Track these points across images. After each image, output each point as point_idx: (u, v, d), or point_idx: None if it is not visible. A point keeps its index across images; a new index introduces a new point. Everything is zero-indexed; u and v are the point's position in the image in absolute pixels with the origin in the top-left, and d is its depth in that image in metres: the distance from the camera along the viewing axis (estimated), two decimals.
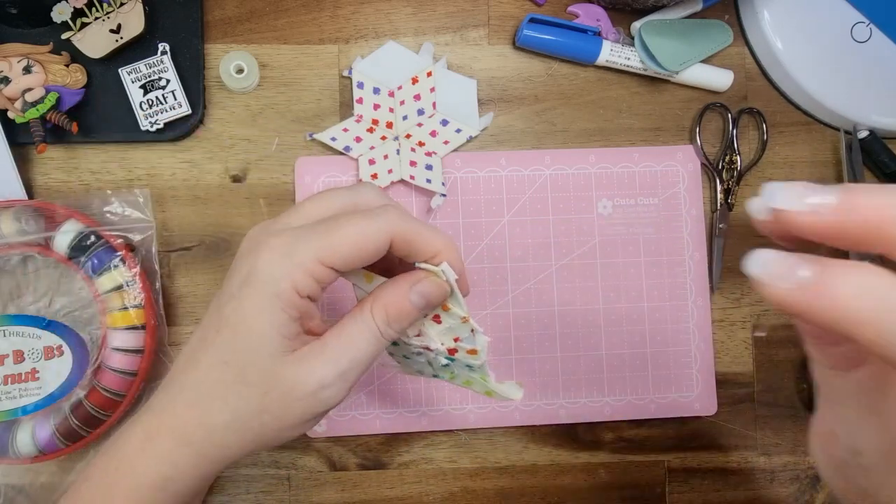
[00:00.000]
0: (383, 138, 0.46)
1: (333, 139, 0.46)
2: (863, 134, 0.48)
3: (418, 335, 0.31)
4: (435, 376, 0.35)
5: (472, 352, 0.31)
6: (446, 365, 0.33)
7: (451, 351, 0.32)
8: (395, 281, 0.29)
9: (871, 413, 0.21)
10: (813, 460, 0.25)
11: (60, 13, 0.42)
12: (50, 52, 0.43)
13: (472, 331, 0.30)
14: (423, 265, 0.29)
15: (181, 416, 0.28)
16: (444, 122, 0.47)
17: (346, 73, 0.47)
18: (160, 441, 0.28)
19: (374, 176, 0.45)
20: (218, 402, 0.28)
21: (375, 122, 0.46)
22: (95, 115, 0.45)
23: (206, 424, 0.28)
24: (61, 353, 0.42)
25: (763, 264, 0.17)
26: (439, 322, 0.31)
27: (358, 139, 0.46)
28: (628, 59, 0.47)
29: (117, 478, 0.28)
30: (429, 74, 0.47)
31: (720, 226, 0.48)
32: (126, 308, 0.42)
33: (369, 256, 0.28)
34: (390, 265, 0.32)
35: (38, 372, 0.42)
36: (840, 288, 0.16)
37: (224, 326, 0.28)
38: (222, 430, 0.28)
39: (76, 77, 0.44)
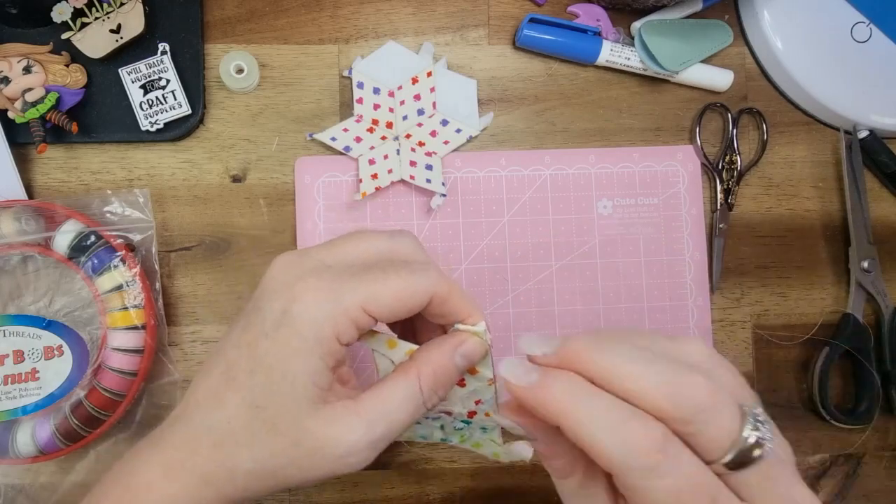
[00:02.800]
0: (383, 138, 0.46)
1: (333, 139, 0.46)
2: (863, 134, 0.48)
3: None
4: (444, 440, 0.35)
5: (488, 415, 0.31)
6: (461, 429, 0.32)
7: (471, 414, 0.31)
8: (439, 344, 0.28)
9: None
10: None
11: (60, 13, 0.42)
12: (50, 52, 0.43)
13: (496, 392, 0.30)
14: (462, 326, 0.28)
15: (205, 456, 0.27)
16: (444, 122, 0.47)
17: (346, 73, 0.47)
18: (182, 479, 0.27)
19: (374, 176, 0.45)
20: (245, 450, 0.27)
21: (375, 122, 0.46)
22: (95, 115, 0.45)
23: (230, 469, 0.27)
24: (61, 353, 0.42)
25: (508, 368, 0.24)
26: (463, 386, 0.30)
27: (358, 139, 0.46)
28: (628, 59, 0.47)
29: None
30: (429, 74, 0.47)
31: (720, 226, 0.48)
32: (126, 308, 0.42)
33: (410, 311, 0.27)
34: (408, 325, 0.32)
35: (38, 372, 0.42)
36: (552, 387, 0.23)
37: (258, 369, 0.27)
38: (245, 476, 0.27)
39: (76, 77, 0.44)
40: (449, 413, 0.31)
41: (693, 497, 0.21)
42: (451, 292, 0.28)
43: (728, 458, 0.22)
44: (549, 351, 0.24)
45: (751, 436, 0.22)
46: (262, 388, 0.26)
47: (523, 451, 0.34)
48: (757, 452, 0.22)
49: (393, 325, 0.32)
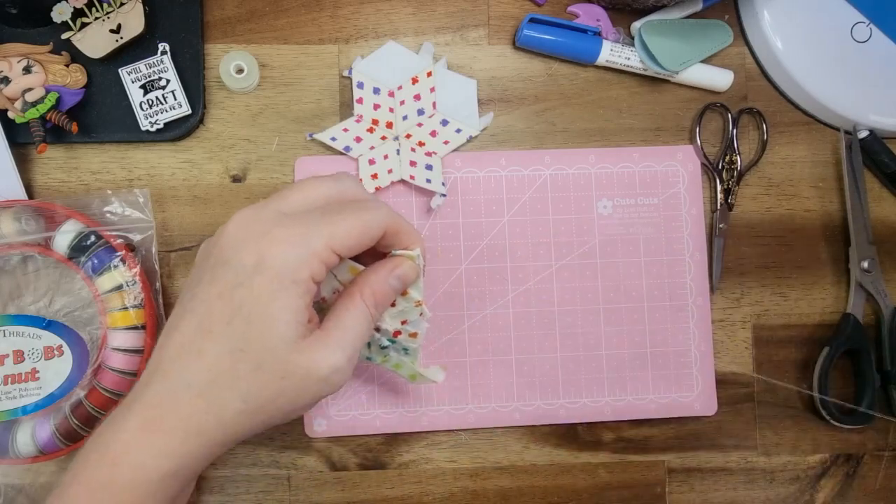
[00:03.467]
0: (383, 138, 0.46)
1: (333, 139, 0.46)
2: (863, 134, 0.48)
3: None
4: (368, 359, 0.38)
5: (413, 335, 0.35)
6: (385, 347, 0.36)
7: (396, 333, 0.35)
8: (378, 268, 0.32)
9: None
10: None
11: (60, 13, 0.42)
12: (50, 52, 0.43)
13: (421, 314, 0.34)
14: (399, 252, 0.33)
15: (188, 406, 0.28)
16: (444, 122, 0.47)
17: (346, 73, 0.47)
18: (164, 435, 0.28)
19: (375, 176, 0.45)
20: (230, 392, 0.28)
21: (375, 122, 0.46)
22: (95, 115, 0.45)
23: (217, 414, 0.28)
24: (61, 353, 0.42)
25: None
26: (394, 305, 0.34)
27: (358, 139, 0.46)
28: (628, 59, 0.47)
29: (115, 474, 0.27)
30: (429, 74, 0.47)
31: (720, 226, 0.48)
32: (126, 308, 0.42)
33: (369, 244, 0.31)
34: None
35: (38, 372, 0.42)
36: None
37: (236, 316, 0.28)
38: (235, 416, 0.28)
39: (76, 77, 0.44)
40: (378, 329, 0.35)
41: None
42: (401, 225, 0.32)
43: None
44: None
45: None
46: (243, 334, 0.28)
47: (437, 374, 0.39)
48: None
49: None
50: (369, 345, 0.37)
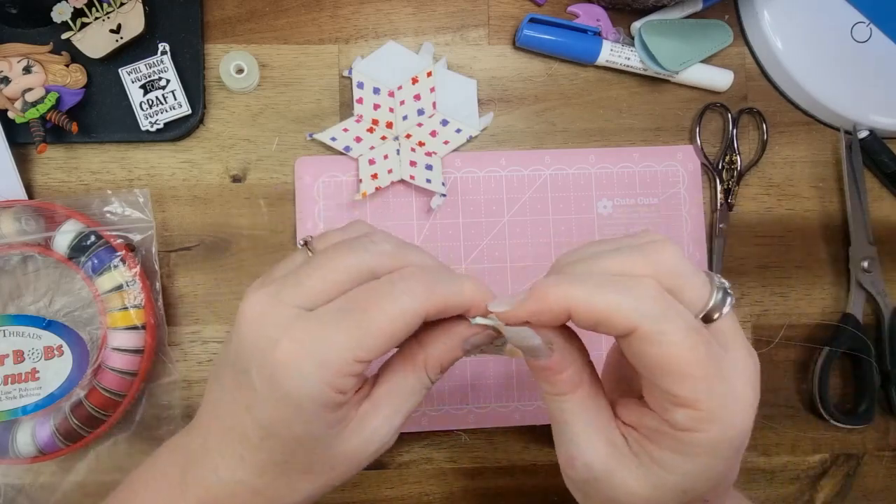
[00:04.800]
0: (383, 138, 0.46)
1: (333, 139, 0.46)
2: (863, 134, 0.48)
3: None
4: None
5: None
6: None
7: None
8: (447, 332, 0.28)
9: (590, 427, 0.27)
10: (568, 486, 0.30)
11: (60, 13, 0.42)
12: (50, 52, 0.43)
13: (506, 344, 0.30)
14: (480, 321, 0.28)
15: (247, 499, 0.28)
16: (444, 122, 0.47)
17: (346, 73, 0.47)
18: None
19: (374, 176, 0.45)
20: (286, 490, 0.28)
21: (375, 122, 0.46)
22: (95, 115, 0.45)
23: (277, 502, 0.28)
24: (61, 353, 0.42)
25: (500, 303, 0.27)
26: None
27: (358, 139, 0.46)
28: (628, 59, 0.47)
29: None
30: (429, 74, 0.47)
31: (720, 226, 0.48)
32: (126, 308, 0.42)
33: (404, 337, 0.26)
34: None
35: (38, 372, 0.42)
36: (551, 287, 0.25)
37: (267, 437, 0.26)
38: (297, 501, 0.28)
39: (76, 77, 0.44)
40: None
41: (697, 339, 0.23)
42: (443, 299, 0.26)
43: (707, 308, 0.25)
44: (514, 304, 0.26)
45: (719, 288, 0.25)
46: (280, 450, 0.27)
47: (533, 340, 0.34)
48: (727, 301, 0.25)
49: None
50: None
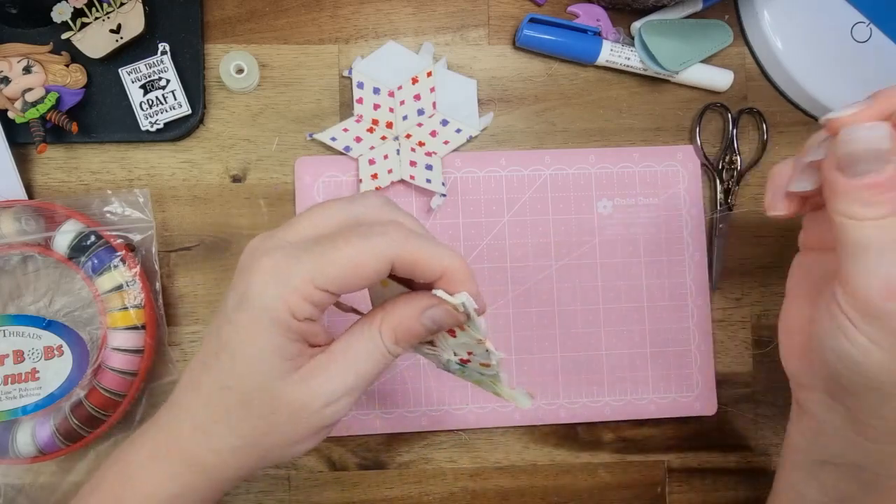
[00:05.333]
0: (383, 138, 0.46)
1: (333, 139, 0.46)
2: None
3: (431, 343, 0.30)
4: (446, 369, 0.34)
5: (485, 364, 0.31)
6: (459, 367, 0.32)
7: (464, 360, 0.31)
8: (408, 300, 0.28)
9: (821, 294, 0.27)
10: (781, 354, 0.31)
11: (60, 13, 0.42)
12: (50, 52, 0.43)
13: (487, 351, 0.29)
14: (442, 294, 0.27)
15: (187, 438, 0.28)
16: (444, 122, 0.47)
17: (346, 73, 0.47)
18: (167, 460, 0.28)
19: (374, 176, 0.45)
20: (222, 427, 0.28)
21: (375, 122, 0.46)
22: (95, 115, 0.45)
23: (214, 448, 0.28)
24: (61, 353, 0.42)
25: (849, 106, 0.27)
26: (454, 336, 0.30)
27: (358, 139, 0.46)
28: (628, 59, 0.47)
29: (125, 491, 0.29)
30: (429, 74, 0.47)
31: (720, 226, 0.48)
32: (126, 308, 0.42)
33: (367, 280, 0.26)
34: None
35: (38, 372, 0.42)
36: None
37: (222, 351, 0.27)
38: (229, 453, 0.28)
39: (76, 77, 0.44)
40: (439, 358, 0.31)
41: None
42: (417, 253, 0.26)
43: None
44: (860, 108, 0.26)
45: None
46: (228, 370, 0.27)
47: (523, 399, 0.34)
48: None
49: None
50: (443, 358, 0.33)
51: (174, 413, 0.29)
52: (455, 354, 0.31)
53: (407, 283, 0.29)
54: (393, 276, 0.28)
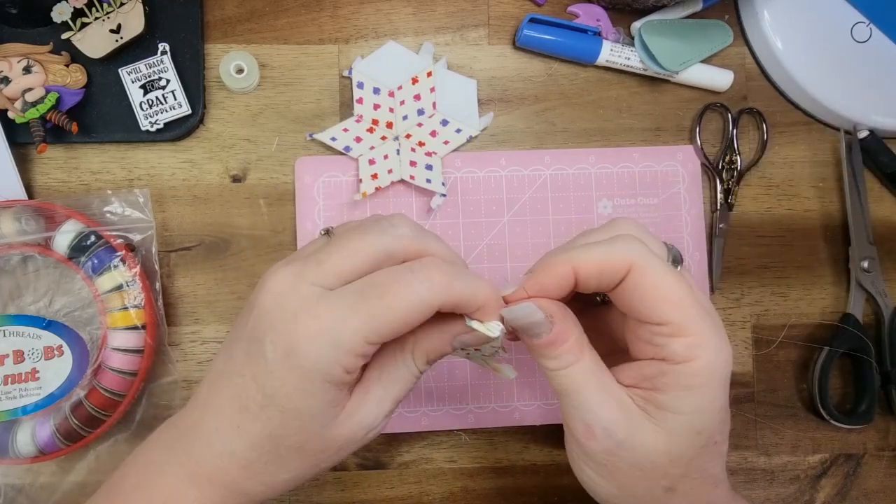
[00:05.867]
0: (383, 138, 0.46)
1: (333, 139, 0.46)
2: (863, 134, 0.48)
3: None
4: None
5: (487, 356, 0.32)
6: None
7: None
8: (441, 328, 0.29)
9: (602, 391, 0.28)
10: (575, 466, 0.31)
11: (60, 13, 0.42)
12: (50, 52, 0.43)
13: (496, 346, 0.30)
14: (476, 325, 0.29)
15: (235, 474, 0.28)
16: (444, 122, 0.47)
17: (346, 73, 0.47)
18: (211, 490, 0.28)
19: (374, 176, 0.45)
20: (275, 468, 0.28)
21: (375, 122, 0.46)
22: (95, 115, 0.45)
23: (264, 482, 0.29)
24: (61, 353, 0.42)
25: (507, 286, 0.30)
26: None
27: (358, 139, 0.46)
28: (628, 59, 0.47)
29: None
30: (429, 74, 0.47)
31: (720, 226, 0.48)
32: (126, 308, 0.42)
33: (415, 326, 0.27)
34: None
35: (38, 372, 0.42)
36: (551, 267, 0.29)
37: (269, 405, 0.27)
38: (283, 484, 0.29)
39: (76, 77, 0.44)
40: None
41: (678, 273, 0.28)
42: (459, 294, 0.27)
43: (668, 261, 0.29)
44: (522, 282, 0.29)
45: (671, 249, 0.29)
46: (279, 422, 0.27)
47: (509, 371, 0.35)
48: (680, 263, 0.29)
49: None
50: None
51: (211, 449, 0.28)
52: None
53: None
54: None
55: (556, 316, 0.28)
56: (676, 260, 0.29)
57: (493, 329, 0.28)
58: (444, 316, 0.28)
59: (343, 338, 0.26)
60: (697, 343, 0.27)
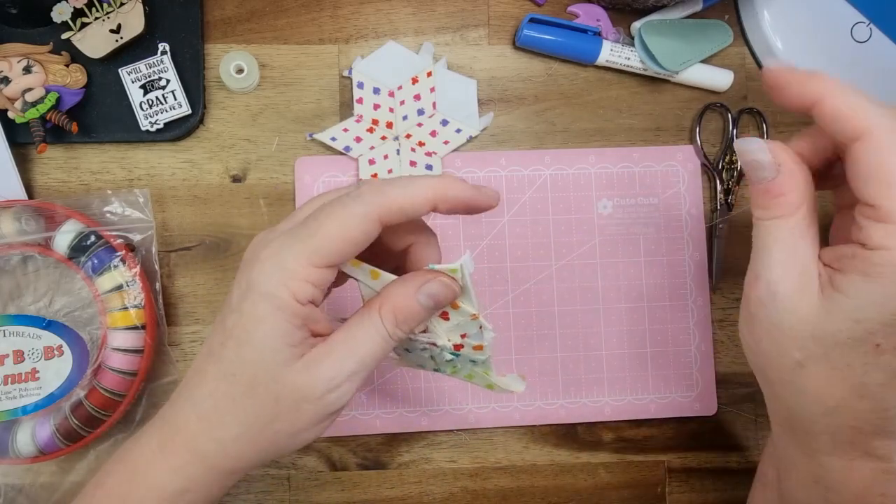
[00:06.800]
0: (383, 138, 0.46)
1: (333, 139, 0.46)
2: None
3: (425, 331, 0.31)
4: (436, 370, 0.35)
5: (478, 347, 0.31)
6: (450, 360, 0.33)
7: (457, 347, 0.32)
8: (404, 281, 0.28)
9: (791, 253, 0.28)
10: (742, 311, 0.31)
11: (60, 13, 0.42)
12: (50, 52, 0.43)
13: (481, 327, 0.30)
14: (436, 266, 0.28)
15: (193, 429, 0.28)
16: (444, 122, 0.47)
17: (346, 73, 0.47)
18: (174, 453, 0.28)
19: (375, 176, 0.45)
20: (228, 416, 0.28)
21: (375, 122, 0.46)
22: (95, 115, 0.45)
23: (218, 438, 0.28)
24: (61, 353, 0.42)
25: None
26: (447, 319, 0.30)
27: (358, 139, 0.46)
28: (628, 59, 0.47)
29: (132, 487, 0.29)
30: (429, 74, 0.47)
31: (720, 226, 0.48)
32: (126, 308, 0.42)
33: (360, 244, 0.27)
34: (400, 260, 0.31)
35: (38, 372, 0.42)
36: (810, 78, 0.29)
37: (228, 339, 0.28)
38: (234, 441, 0.28)
39: (76, 77, 0.44)
40: (434, 345, 0.31)
41: None
42: (397, 199, 0.27)
43: None
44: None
45: None
46: (235, 357, 0.27)
47: (517, 384, 0.35)
48: None
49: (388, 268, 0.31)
50: (433, 358, 0.33)
51: (179, 405, 0.29)
52: (449, 340, 0.31)
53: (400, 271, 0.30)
54: (377, 256, 0.29)
55: (785, 166, 0.28)
56: None
57: (462, 263, 0.27)
58: (408, 274, 0.29)
59: (287, 260, 0.26)
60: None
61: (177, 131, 0.45)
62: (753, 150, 0.28)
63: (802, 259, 0.28)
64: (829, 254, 0.28)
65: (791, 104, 0.28)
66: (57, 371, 0.42)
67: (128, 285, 0.42)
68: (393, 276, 0.29)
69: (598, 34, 0.47)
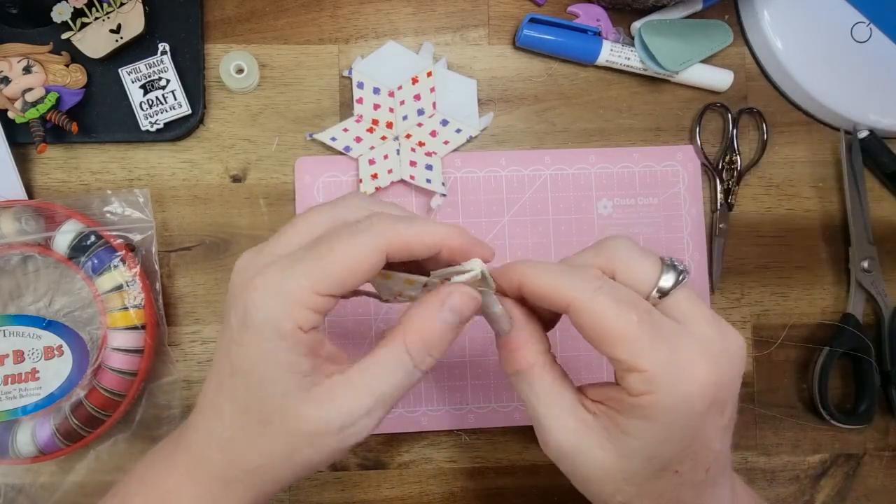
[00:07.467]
0: (383, 138, 0.46)
1: (333, 139, 0.46)
2: (863, 134, 0.48)
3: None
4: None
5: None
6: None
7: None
8: (424, 303, 0.28)
9: (555, 407, 0.29)
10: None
11: (60, 13, 0.42)
12: (50, 52, 0.43)
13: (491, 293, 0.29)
14: (459, 278, 0.27)
15: (218, 461, 0.28)
16: (444, 122, 0.47)
17: (346, 73, 0.47)
18: (201, 482, 0.28)
19: (375, 176, 0.45)
20: (248, 449, 0.28)
21: (375, 122, 0.46)
22: (95, 115, 0.45)
23: (243, 468, 0.28)
24: (61, 353, 0.42)
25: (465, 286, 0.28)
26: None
27: (358, 139, 0.46)
28: (628, 59, 0.47)
29: None
30: (429, 74, 0.47)
31: (720, 226, 0.48)
32: (126, 308, 0.42)
33: (365, 276, 0.26)
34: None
35: (38, 372, 0.42)
36: (513, 266, 0.29)
37: (235, 374, 0.27)
38: (259, 471, 0.28)
39: (76, 77, 0.44)
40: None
41: (627, 308, 0.26)
42: (407, 235, 0.26)
43: (657, 285, 0.27)
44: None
45: (669, 267, 0.28)
46: (245, 392, 0.27)
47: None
48: (679, 279, 0.27)
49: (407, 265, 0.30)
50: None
51: (199, 437, 0.29)
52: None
53: (413, 268, 0.29)
54: (392, 266, 0.28)
55: (516, 320, 0.29)
56: (681, 272, 0.28)
57: (472, 266, 0.27)
58: (424, 297, 0.28)
59: (289, 287, 0.25)
60: (651, 379, 0.26)
61: (177, 131, 0.45)
62: (488, 303, 0.28)
63: (570, 407, 0.29)
64: (596, 392, 0.29)
65: (506, 293, 0.30)
66: (57, 371, 0.42)
67: (128, 285, 0.42)
68: (406, 276, 0.28)
69: (598, 34, 0.47)
